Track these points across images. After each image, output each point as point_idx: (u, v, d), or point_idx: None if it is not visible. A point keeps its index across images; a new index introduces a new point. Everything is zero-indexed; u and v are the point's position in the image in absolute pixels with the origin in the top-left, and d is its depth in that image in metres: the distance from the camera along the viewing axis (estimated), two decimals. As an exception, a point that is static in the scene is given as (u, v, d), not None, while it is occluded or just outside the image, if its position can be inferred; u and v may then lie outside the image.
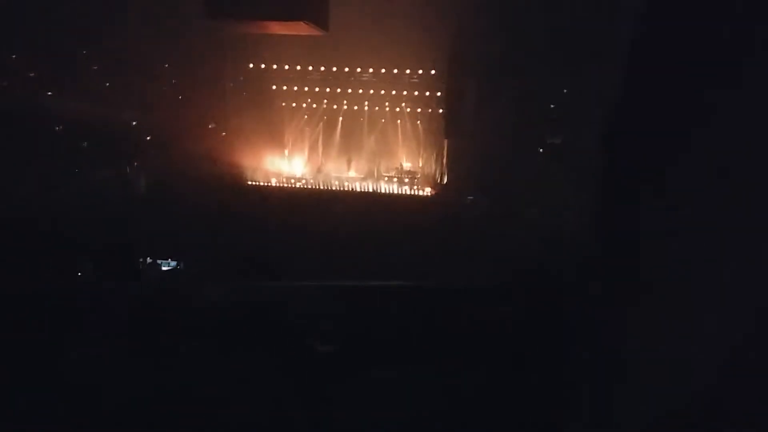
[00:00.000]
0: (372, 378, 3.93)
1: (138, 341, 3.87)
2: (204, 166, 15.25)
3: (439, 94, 17.47)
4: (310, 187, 18.56)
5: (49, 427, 3.52)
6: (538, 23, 13.43)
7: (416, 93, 18.02)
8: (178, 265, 10.98)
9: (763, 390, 2.46)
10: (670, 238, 2.65)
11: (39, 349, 3.71)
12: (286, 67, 18.24)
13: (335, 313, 4.35)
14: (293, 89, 18.80)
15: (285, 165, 19.21)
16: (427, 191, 17.75)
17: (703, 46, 2.57)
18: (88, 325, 3.91)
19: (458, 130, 16.39)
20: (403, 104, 18.34)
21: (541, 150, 15.44)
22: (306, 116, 19.23)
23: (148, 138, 16.43)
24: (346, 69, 18.12)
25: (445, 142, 17.32)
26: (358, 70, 18.07)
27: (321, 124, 19.18)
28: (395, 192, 17.97)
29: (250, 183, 18.07)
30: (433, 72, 17.29)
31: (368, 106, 18.65)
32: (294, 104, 19.11)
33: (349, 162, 18.97)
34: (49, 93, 14.98)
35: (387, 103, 18.47)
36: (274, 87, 18.65)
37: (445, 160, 17.42)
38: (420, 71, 17.53)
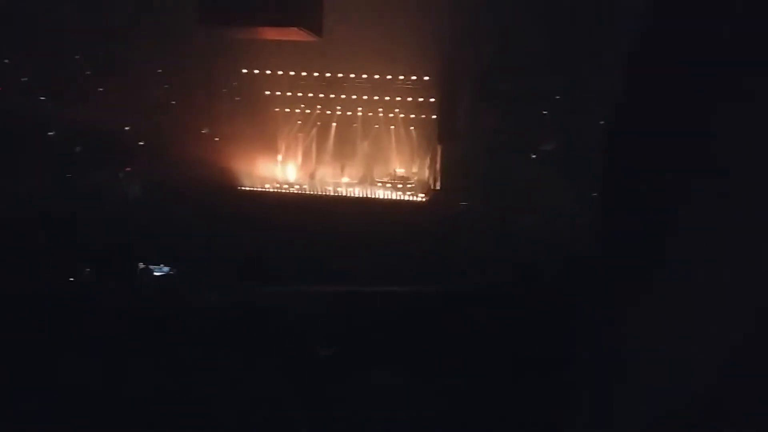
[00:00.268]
0: (371, 380, 3.92)
1: (136, 343, 3.85)
2: (197, 171, 15.22)
3: (432, 99, 17.51)
4: (303, 192, 18.54)
5: (48, 428, 3.50)
6: (532, 29, 13.50)
7: (409, 99, 18.05)
8: (170, 270, 10.93)
9: (763, 390, 2.46)
10: (669, 239, 2.66)
11: (36, 350, 3.69)
12: (280, 72, 18.25)
13: (333, 317, 4.34)
14: (287, 95, 18.81)
15: (278, 170, 19.19)
16: (421, 196, 17.76)
17: (700, 48, 2.59)
18: (86, 327, 3.89)
19: (451, 135, 16.43)
20: (397, 110, 18.37)
21: (534, 156, 15.50)
22: (299, 122, 19.23)
23: (141, 143, 16.39)
24: (340, 75, 18.15)
25: (439, 147, 17.35)
26: (352, 75, 18.10)
27: (314, 129, 19.19)
28: (389, 197, 17.96)
29: (243, 188, 18.03)
30: (426, 78, 17.33)
31: (362, 111, 18.67)
32: (288, 110, 19.11)
33: (342, 167, 18.97)
34: (43, 97, 14.94)
35: (380, 109, 18.50)
36: (267, 92, 18.65)
37: (438, 166, 17.45)
38: (413, 77, 17.56)
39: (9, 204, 10.36)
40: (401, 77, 17.67)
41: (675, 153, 2.66)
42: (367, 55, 16.52)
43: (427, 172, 18.18)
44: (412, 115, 18.34)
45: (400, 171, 18.68)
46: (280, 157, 19.37)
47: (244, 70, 18.27)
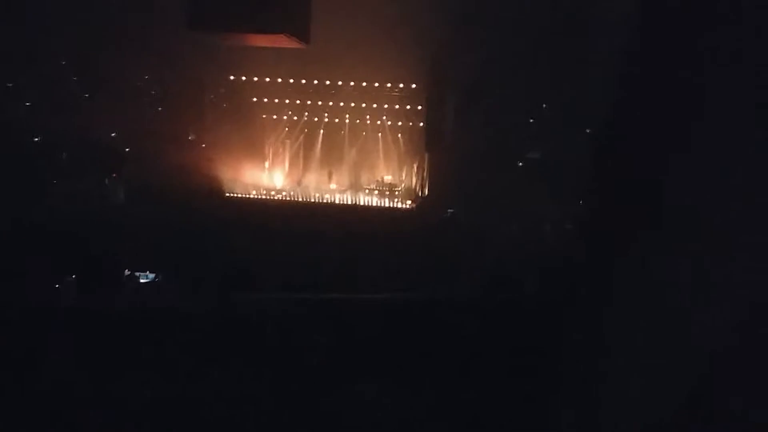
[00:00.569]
0: (356, 389, 3.92)
1: (121, 351, 3.83)
2: (184, 178, 15.15)
3: (419, 107, 17.55)
4: (290, 199, 18.50)
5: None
6: (517, 37, 13.59)
7: (397, 106, 18.08)
8: (156, 277, 10.86)
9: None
10: (658, 242, 2.70)
11: (18, 358, 3.66)
12: (267, 79, 18.23)
13: (318, 324, 4.33)
14: (274, 101, 18.79)
15: (265, 177, 19.15)
16: (408, 203, 17.79)
17: (683, 58, 2.63)
18: (70, 335, 3.86)
19: (439, 143, 16.47)
20: (384, 117, 18.42)
21: (521, 164, 15.57)
22: (287, 128, 19.22)
23: (127, 149, 16.31)
24: (327, 82, 18.16)
25: (426, 155, 17.40)
26: (339, 83, 18.11)
27: (302, 136, 19.19)
28: (376, 204, 17.97)
29: (230, 195, 17.97)
30: (414, 85, 17.38)
31: (349, 118, 18.69)
32: (275, 117, 19.09)
33: (330, 174, 18.96)
34: (27, 103, 14.83)
35: (368, 116, 18.53)
36: (255, 99, 18.63)
37: (425, 173, 17.49)
38: (401, 84, 17.60)
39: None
40: (389, 85, 17.71)
41: (660, 162, 2.70)
42: (355, 63, 16.53)
43: (414, 180, 18.23)
44: (400, 123, 18.40)
45: (388, 178, 18.71)
46: (267, 164, 19.34)
47: (231, 77, 18.24)
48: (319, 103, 18.72)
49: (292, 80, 18.24)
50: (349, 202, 18.15)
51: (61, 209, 13.34)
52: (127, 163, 16.25)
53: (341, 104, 18.56)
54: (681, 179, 2.58)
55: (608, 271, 2.91)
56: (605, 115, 2.95)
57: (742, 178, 2.39)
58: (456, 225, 14.97)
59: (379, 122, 18.56)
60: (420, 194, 17.78)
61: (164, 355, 3.98)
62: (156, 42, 14.46)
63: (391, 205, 17.87)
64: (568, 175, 11.51)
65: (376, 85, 17.77)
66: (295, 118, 19.09)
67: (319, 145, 19.05)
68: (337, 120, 18.86)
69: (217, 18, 11.64)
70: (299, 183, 19.02)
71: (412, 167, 18.30)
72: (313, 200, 18.38)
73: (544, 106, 15.22)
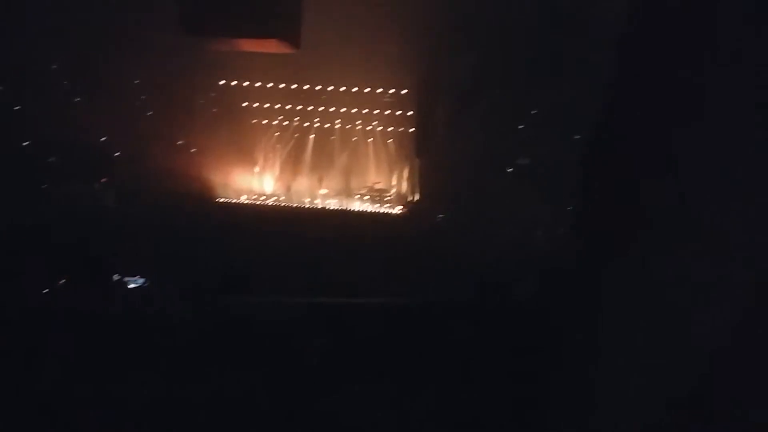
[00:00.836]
0: (348, 391, 3.91)
1: (111, 355, 3.81)
2: (174, 182, 15.11)
3: (410, 113, 17.59)
4: (280, 204, 18.48)
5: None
6: (508, 42, 13.66)
7: (387, 112, 18.12)
8: (145, 282, 10.80)
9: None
10: (653, 245, 2.71)
11: (9, 360, 3.63)
12: (258, 84, 18.21)
13: (310, 328, 4.33)
14: (264, 106, 18.78)
15: (256, 182, 19.12)
16: (399, 209, 17.81)
17: (673, 63, 2.66)
18: (60, 338, 3.84)
19: (429, 148, 16.52)
20: (375, 122, 18.44)
21: (511, 170, 15.62)
22: (277, 133, 19.21)
23: (117, 154, 16.23)
24: (318, 87, 18.16)
25: (417, 160, 17.43)
26: (330, 88, 18.12)
27: (292, 141, 19.18)
28: (366, 210, 17.99)
29: (220, 200, 17.93)
30: (404, 91, 17.42)
31: (340, 124, 18.71)
32: (265, 121, 19.08)
33: (320, 180, 18.96)
34: (17, 107, 14.74)
35: (359, 122, 18.56)
36: (245, 104, 18.60)
37: (416, 179, 17.52)
38: (391, 90, 17.63)
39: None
40: (380, 90, 17.74)
41: (650, 167, 2.72)
42: (346, 68, 16.55)
43: (405, 185, 18.26)
44: (390, 128, 18.43)
45: (378, 183, 18.74)
46: (257, 169, 19.31)
47: (222, 82, 18.21)
48: (310, 108, 18.71)
49: (282, 85, 18.23)
50: (340, 208, 18.15)
51: (51, 212, 13.26)
52: (117, 166, 16.17)
53: (332, 109, 18.56)
54: (680, 180, 2.60)
55: (601, 274, 2.93)
56: (601, 117, 2.97)
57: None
58: (446, 230, 15.00)
59: (369, 127, 18.58)
60: (410, 199, 17.81)
61: (155, 358, 3.96)
62: (147, 46, 14.42)
63: (382, 211, 17.89)
64: (558, 180, 11.55)
65: (367, 90, 17.79)
66: (286, 122, 19.08)
67: (309, 150, 19.04)
68: (327, 125, 18.86)
69: (208, 23, 11.63)
70: (289, 188, 18.99)
71: (403, 172, 18.33)
72: (303, 205, 18.37)
73: (534, 110, 15.26)
